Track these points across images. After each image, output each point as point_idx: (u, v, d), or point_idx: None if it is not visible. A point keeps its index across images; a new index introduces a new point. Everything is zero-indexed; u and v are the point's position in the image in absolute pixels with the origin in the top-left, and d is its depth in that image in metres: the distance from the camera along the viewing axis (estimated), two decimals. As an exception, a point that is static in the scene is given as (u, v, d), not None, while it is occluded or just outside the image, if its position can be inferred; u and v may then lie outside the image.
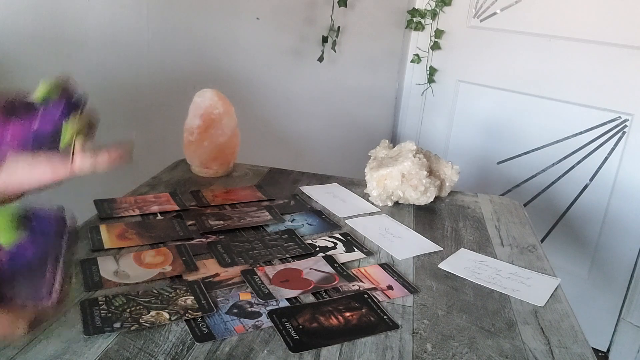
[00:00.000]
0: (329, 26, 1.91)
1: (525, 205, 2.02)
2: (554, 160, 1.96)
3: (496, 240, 1.00)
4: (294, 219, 1.00)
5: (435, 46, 2.14)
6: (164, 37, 1.52)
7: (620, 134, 1.80)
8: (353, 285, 0.79)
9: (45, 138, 0.49)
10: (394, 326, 0.70)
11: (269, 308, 0.71)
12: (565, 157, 1.93)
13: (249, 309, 0.71)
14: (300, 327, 0.68)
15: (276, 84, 1.89)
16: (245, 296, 0.73)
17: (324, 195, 1.12)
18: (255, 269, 0.80)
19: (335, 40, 1.93)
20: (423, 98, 2.26)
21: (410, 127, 2.34)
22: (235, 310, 0.70)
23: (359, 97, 2.17)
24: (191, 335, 0.64)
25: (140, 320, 0.66)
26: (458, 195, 1.20)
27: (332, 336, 0.67)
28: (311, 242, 0.91)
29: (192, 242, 0.87)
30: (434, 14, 2.11)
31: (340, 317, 0.70)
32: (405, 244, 0.95)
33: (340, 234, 0.95)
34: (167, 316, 0.67)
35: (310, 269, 0.82)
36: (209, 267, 0.80)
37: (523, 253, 0.96)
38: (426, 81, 2.20)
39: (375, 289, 0.78)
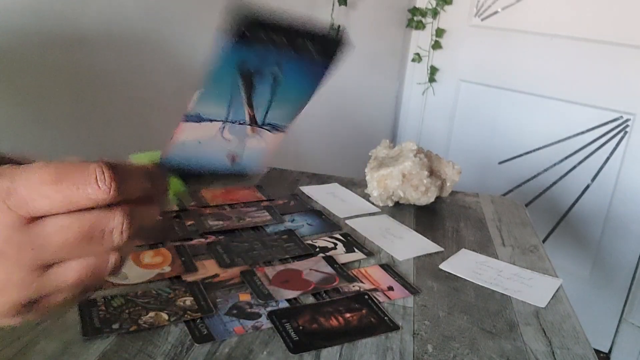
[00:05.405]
0: (329, 25, 1.91)
1: (526, 205, 2.02)
2: (555, 160, 1.95)
3: (497, 240, 1.00)
4: (293, 219, 0.99)
5: (436, 45, 2.13)
6: (164, 36, 1.52)
7: (622, 133, 1.79)
8: (353, 286, 0.78)
9: None
10: (395, 327, 0.69)
11: (268, 309, 0.71)
12: (566, 157, 1.93)
13: (249, 310, 0.70)
14: (300, 328, 0.67)
15: (276, 83, 1.89)
16: (245, 297, 0.73)
17: (324, 195, 1.12)
18: (254, 269, 0.80)
19: (335, 39, 1.93)
20: (424, 97, 2.26)
21: (411, 126, 2.33)
22: (235, 311, 0.70)
23: (359, 96, 2.16)
24: (190, 337, 0.64)
25: (139, 321, 0.66)
26: (459, 196, 1.19)
27: (332, 337, 0.66)
28: (311, 242, 0.90)
29: (192, 242, 0.87)
30: (435, 13, 2.10)
31: (340, 318, 0.70)
32: (406, 244, 0.94)
33: (340, 235, 0.95)
34: (166, 317, 0.67)
35: (310, 269, 0.81)
36: (208, 268, 0.80)
37: (525, 253, 0.95)
38: (427, 80, 2.20)
39: (375, 289, 0.78)
